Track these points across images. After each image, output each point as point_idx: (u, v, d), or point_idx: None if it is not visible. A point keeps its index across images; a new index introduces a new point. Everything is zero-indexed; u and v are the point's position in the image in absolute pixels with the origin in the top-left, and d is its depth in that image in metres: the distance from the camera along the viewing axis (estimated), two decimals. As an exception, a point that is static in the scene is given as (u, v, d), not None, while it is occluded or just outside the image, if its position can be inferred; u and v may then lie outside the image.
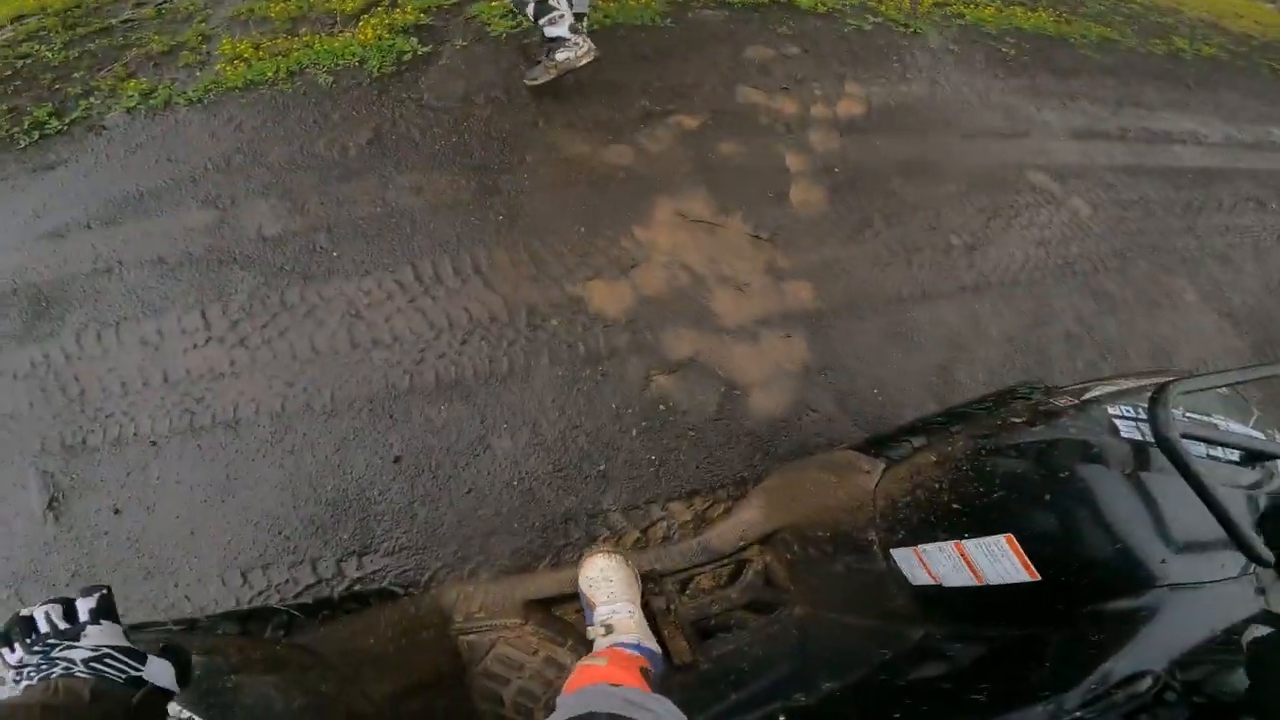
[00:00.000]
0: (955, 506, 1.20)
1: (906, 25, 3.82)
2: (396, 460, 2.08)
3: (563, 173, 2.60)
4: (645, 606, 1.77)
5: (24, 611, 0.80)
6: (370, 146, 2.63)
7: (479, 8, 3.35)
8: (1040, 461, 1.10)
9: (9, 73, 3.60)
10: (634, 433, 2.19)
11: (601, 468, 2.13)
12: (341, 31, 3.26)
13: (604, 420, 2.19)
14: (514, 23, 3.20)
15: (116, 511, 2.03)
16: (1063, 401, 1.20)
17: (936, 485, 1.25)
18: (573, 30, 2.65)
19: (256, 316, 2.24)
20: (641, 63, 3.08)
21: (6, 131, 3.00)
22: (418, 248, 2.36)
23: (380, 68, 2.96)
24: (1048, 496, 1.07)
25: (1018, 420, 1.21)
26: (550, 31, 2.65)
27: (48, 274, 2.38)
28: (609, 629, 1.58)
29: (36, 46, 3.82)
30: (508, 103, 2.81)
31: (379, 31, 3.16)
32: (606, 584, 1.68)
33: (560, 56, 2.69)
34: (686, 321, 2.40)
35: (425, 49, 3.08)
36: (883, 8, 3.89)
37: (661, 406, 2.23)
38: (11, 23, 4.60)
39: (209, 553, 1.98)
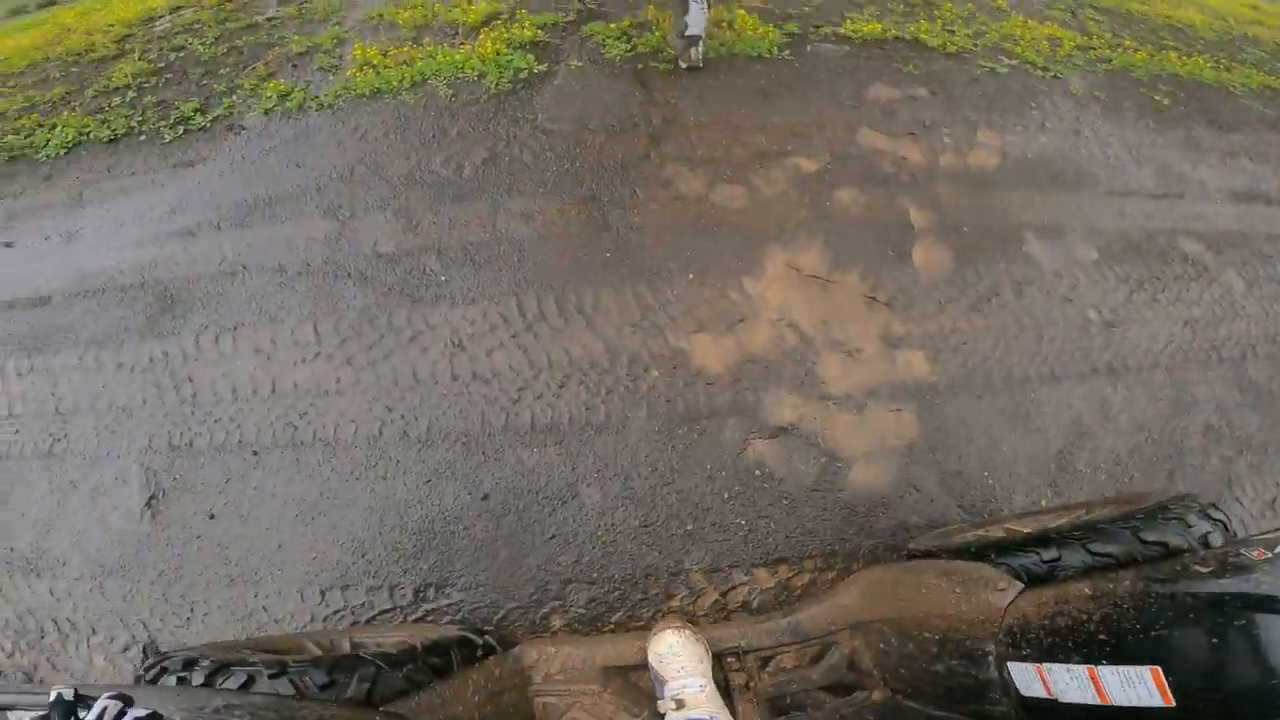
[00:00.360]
0: (1101, 637, 1.14)
1: (1046, 69, 3.43)
2: (485, 498, 2.00)
3: (674, 212, 2.43)
4: (724, 681, 1.68)
5: (69, 693, 0.78)
6: (484, 167, 2.53)
7: (593, 27, 3.21)
8: (1218, 609, 1.05)
9: (163, 64, 3.70)
10: (726, 495, 2.03)
11: (689, 528, 1.99)
12: (463, 43, 3.19)
13: (697, 480, 2.04)
14: (628, 46, 3.05)
15: (211, 517, 2.04)
16: (1255, 554, 1.11)
17: (1085, 616, 1.18)
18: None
19: (364, 336, 2.18)
20: (758, 97, 2.84)
21: (154, 125, 3.07)
22: (524, 280, 2.25)
23: (498, 84, 2.87)
24: (1215, 640, 1.03)
25: (1202, 569, 1.12)
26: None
27: (176, 271, 2.41)
28: (680, 704, 1.50)
29: (190, 40, 3.93)
30: (620, 131, 2.66)
31: (498, 46, 3.07)
32: (676, 659, 1.59)
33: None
34: (791, 385, 2.19)
35: (541, 67, 2.96)
36: (1019, 49, 3.51)
37: (757, 472, 2.06)
38: (170, 13, 4.76)
39: (292, 567, 1.96)
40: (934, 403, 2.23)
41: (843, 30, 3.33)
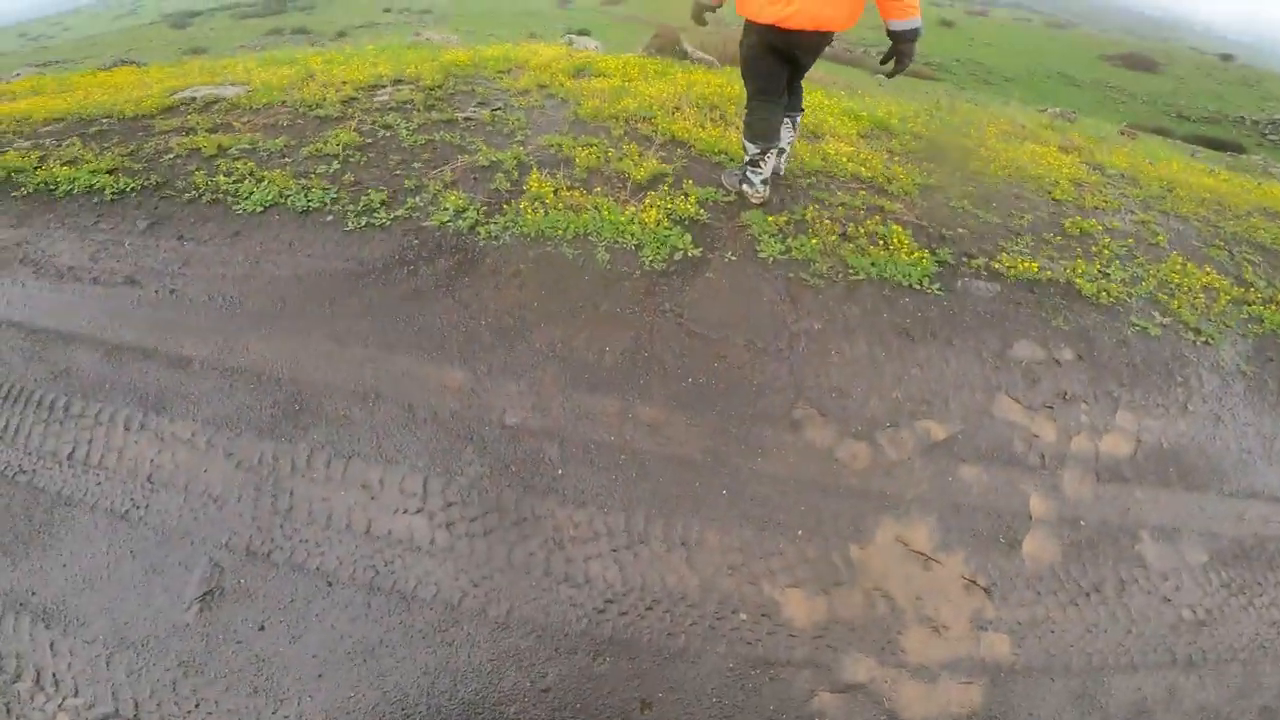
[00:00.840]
0: None
1: (1198, 332, 2.89)
2: (545, 690, 1.74)
3: (797, 461, 2.07)
4: None
5: None
6: (624, 358, 2.24)
7: (752, 216, 2.90)
8: None
9: (370, 140, 3.60)
10: (779, 733, 1.73)
11: (736, 754, 1.70)
12: (628, 203, 2.95)
13: (756, 717, 1.75)
14: (784, 247, 2.72)
15: (261, 628, 1.82)
16: None
17: None
18: (763, 183, 3.01)
19: (470, 506, 1.93)
20: (903, 340, 2.44)
21: (343, 207, 2.93)
22: (637, 497, 1.95)
23: (653, 261, 2.59)
24: None
25: None
26: (750, 175, 3.01)
27: (316, 376, 2.21)
28: None
29: (398, 119, 3.83)
30: (763, 351, 2.31)
31: (659, 216, 2.79)
32: None
33: (745, 188, 3.05)
34: (871, 650, 1.87)
35: (696, 251, 2.65)
36: (1174, 303, 2.98)
37: (815, 718, 1.77)
38: (392, 84, 4.74)
39: (324, 698, 1.73)
40: (1007, 680, 1.90)
41: (996, 264, 2.91)
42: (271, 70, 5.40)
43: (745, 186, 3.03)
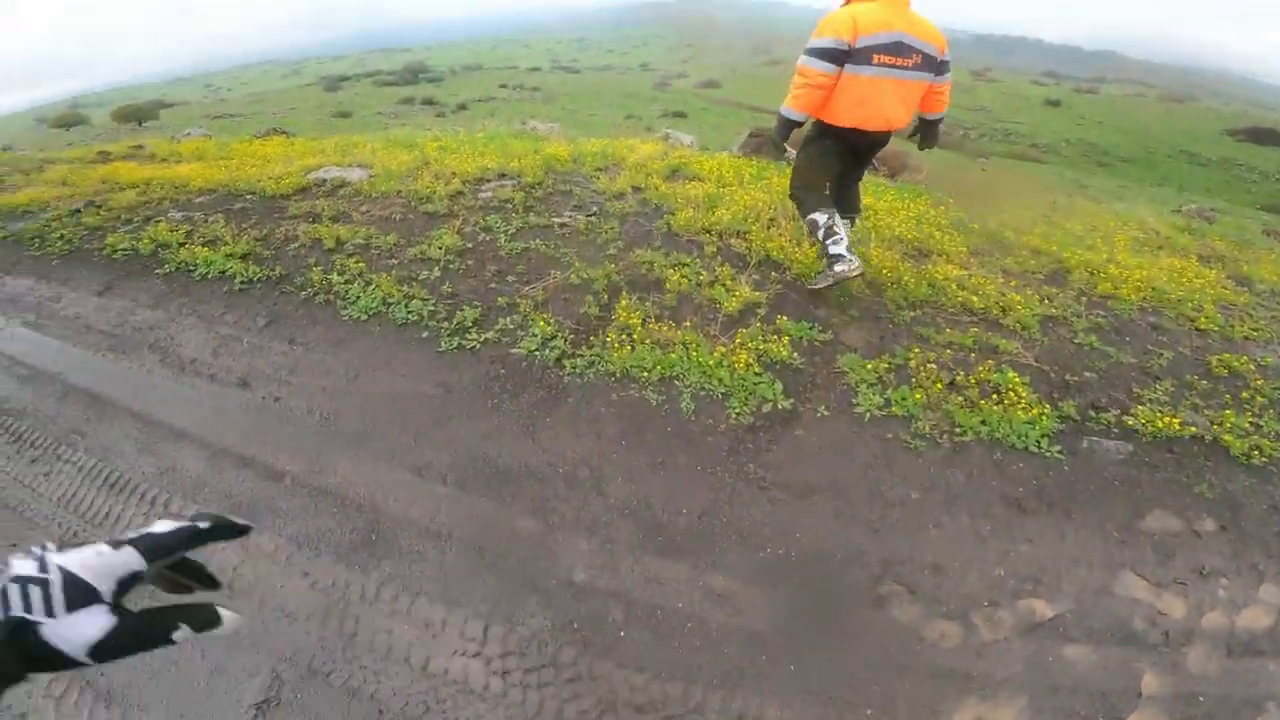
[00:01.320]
0: None
1: None
2: None
3: (877, 640, 1.95)
4: None
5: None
6: (700, 521, 2.23)
7: (850, 360, 2.86)
8: None
9: (470, 245, 3.88)
10: None
11: None
12: (718, 339, 3.00)
13: None
14: (883, 400, 2.65)
15: None
16: None
17: None
18: (849, 249, 3.09)
19: (528, 658, 1.94)
20: (1012, 513, 2.29)
21: (438, 323, 3.13)
22: (700, 667, 1.89)
23: (739, 413, 2.59)
24: None
25: None
26: (832, 250, 3.09)
27: (394, 507, 2.33)
28: None
29: (498, 221, 4.12)
30: (851, 520, 2.23)
31: (749, 359, 2.81)
32: None
33: (838, 269, 3.08)
34: None
35: (787, 403, 2.64)
36: None
37: None
38: (496, 179, 5.14)
39: None
40: None
41: (1129, 419, 2.67)
42: (393, 155, 6.03)
43: (839, 267, 3.07)
